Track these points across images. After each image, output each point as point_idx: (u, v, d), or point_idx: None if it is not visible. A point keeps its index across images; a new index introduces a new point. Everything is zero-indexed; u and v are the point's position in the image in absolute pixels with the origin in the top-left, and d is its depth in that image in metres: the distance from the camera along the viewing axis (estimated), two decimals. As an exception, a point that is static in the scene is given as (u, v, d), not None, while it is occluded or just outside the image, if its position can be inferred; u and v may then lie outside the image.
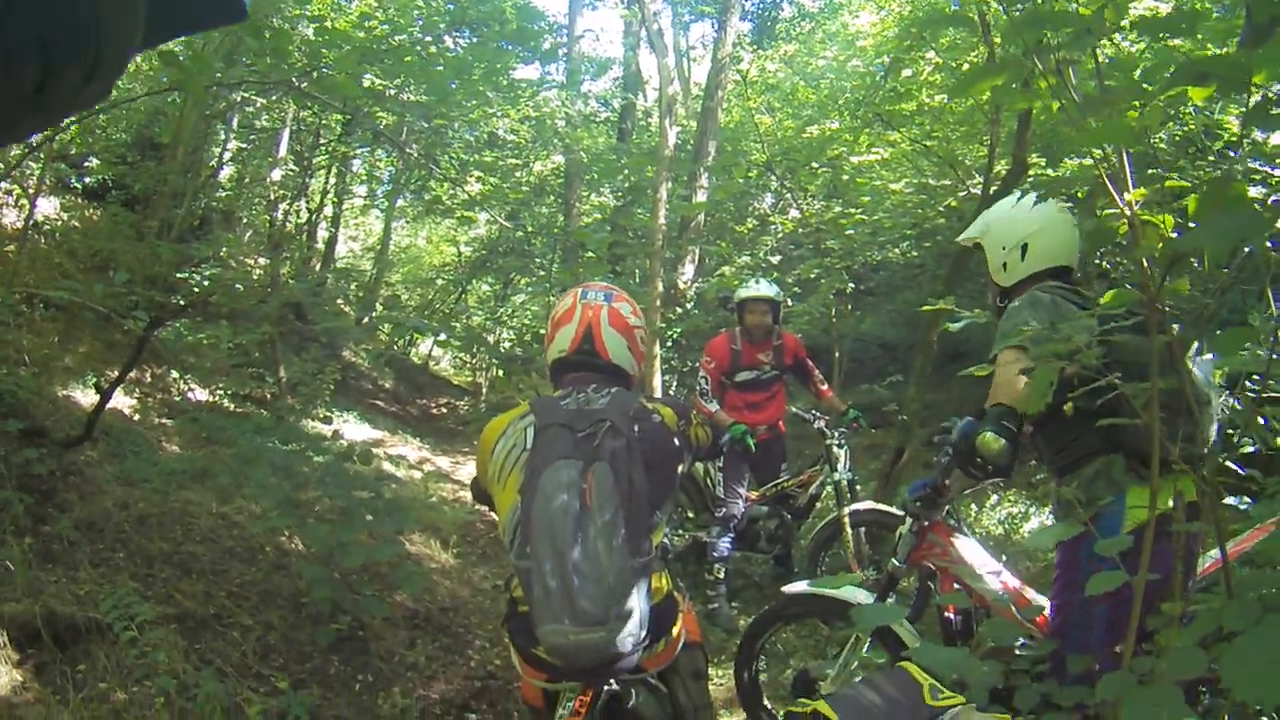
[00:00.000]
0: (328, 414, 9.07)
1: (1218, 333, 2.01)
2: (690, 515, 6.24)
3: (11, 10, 0.48)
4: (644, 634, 2.23)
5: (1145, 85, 1.75)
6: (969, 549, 3.35)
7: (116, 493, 5.17)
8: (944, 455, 3.15)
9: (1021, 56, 1.76)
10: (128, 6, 0.56)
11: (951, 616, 3.35)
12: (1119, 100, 1.65)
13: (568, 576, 2.13)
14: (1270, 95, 1.54)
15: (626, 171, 12.63)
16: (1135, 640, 2.07)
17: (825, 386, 5.96)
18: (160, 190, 9.25)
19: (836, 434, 5.49)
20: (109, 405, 6.94)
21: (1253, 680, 1.26)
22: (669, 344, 9.72)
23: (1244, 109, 1.61)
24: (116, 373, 7.72)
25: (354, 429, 9.78)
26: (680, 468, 2.55)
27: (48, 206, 9.19)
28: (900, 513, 5.03)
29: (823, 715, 1.65)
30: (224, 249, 9.64)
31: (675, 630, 2.52)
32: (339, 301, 14.66)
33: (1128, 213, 1.80)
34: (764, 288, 5.74)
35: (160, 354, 8.10)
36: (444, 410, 14.23)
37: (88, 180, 10.26)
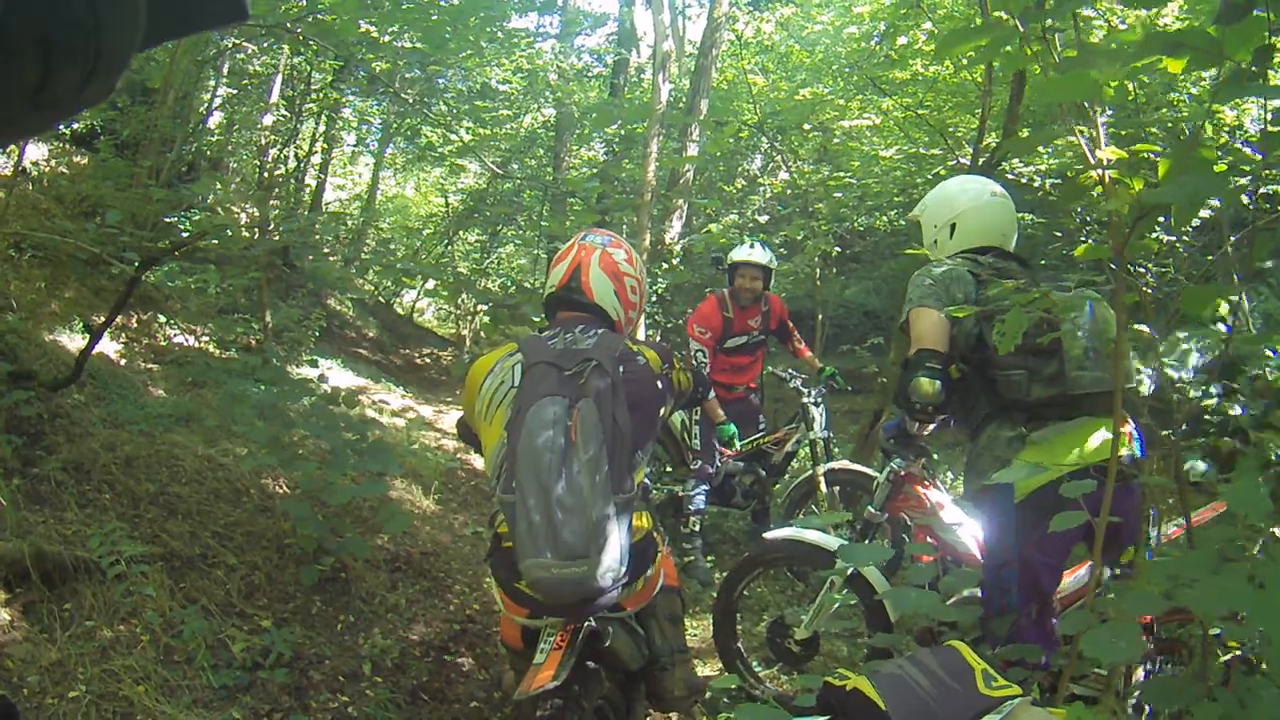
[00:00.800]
0: (313, 359, 9.10)
1: (1188, 287, 2.12)
2: (668, 469, 6.35)
3: (12, 10, 0.47)
4: (624, 570, 2.31)
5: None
6: (942, 502, 3.48)
7: (103, 435, 5.22)
8: None
9: (1010, 22, 1.83)
10: (128, 6, 0.55)
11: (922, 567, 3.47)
12: (1096, 62, 1.73)
13: (551, 511, 2.20)
14: (1243, 67, 1.62)
15: (618, 125, 12.60)
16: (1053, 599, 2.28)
17: (803, 346, 6.04)
18: (150, 136, 9.20)
19: (813, 392, 5.58)
20: (95, 350, 7.01)
21: (1209, 597, 1.37)
22: (653, 298, 9.78)
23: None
24: (104, 317, 7.80)
25: (338, 376, 9.80)
26: (662, 410, 2.63)
27: (36, 153, 9.16)
28: (875, 473, 5.16)
29: (862, 694, 1.54)
30: (210, 195, 9.60)
31: (653, 570, 2.62)
32: (325, 250, 14.62)
33: (1098, 171, 1.90)
34: (759, 253, 5.67)
35: (148, 298, 8.12)
36: (427, 360, 14.26)
37: (76, 126, 10.21)
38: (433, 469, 6.79)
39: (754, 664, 4.17)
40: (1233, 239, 1.94)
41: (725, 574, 4.31)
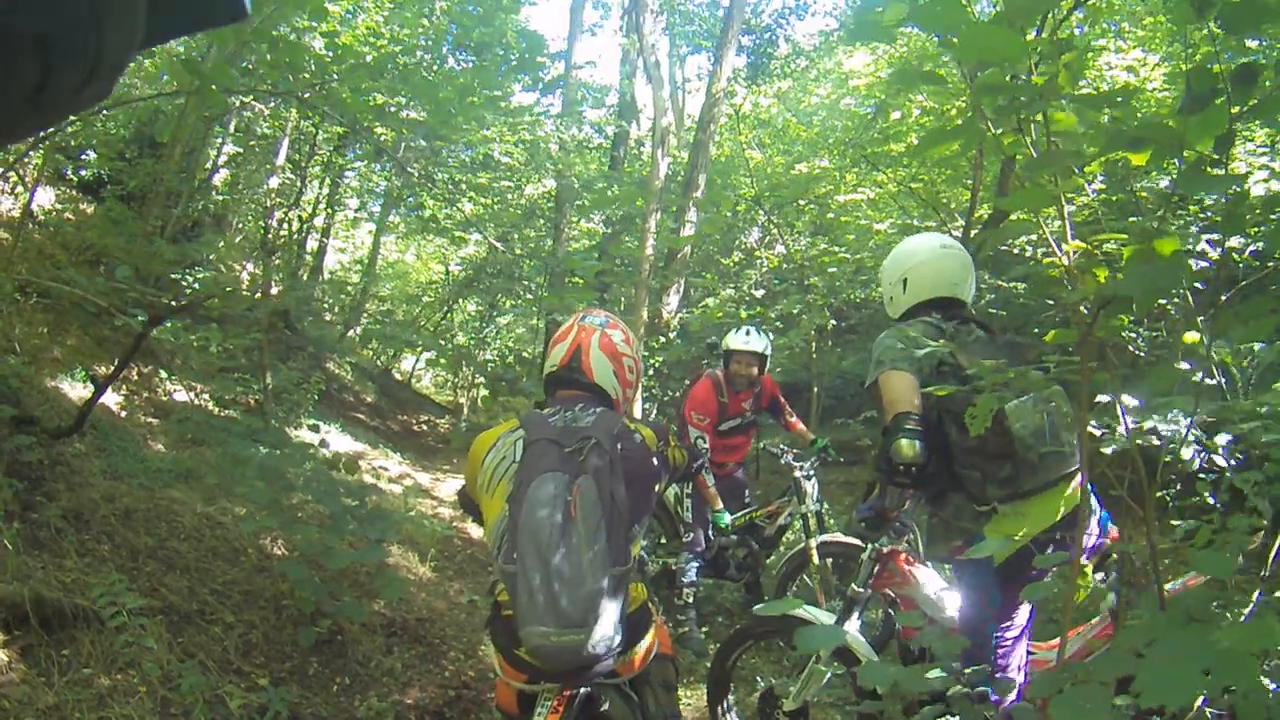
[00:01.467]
0: (314, 423, 9.12)
1: (1151, 367, 2.23)
2: (662, 541, 6.35)
3: (12, 9, 0.48)
4: (618, 639, 2.38)
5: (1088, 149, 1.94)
6: (928, 579, 3.52)
7: (103, 486, 5.23)
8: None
9: (978, 117, 1.94)
10: (128, 6, 0.55)
11: (910, 643, 3.50)
12: (1063, 160, 1.83)
13: (551, 581, 2.28)
14: (1206, 155, 1.71)
15: (617, 203, 12.80)
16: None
17: (795, 420, 6.08)
18: (156, 189, 9.31)
19: (805, 466, 5.60)
20: (99, 401, 7.03)
21: (1161, 682, 1.39)
22: (650, 372, 9.85)
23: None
24: (106, 368, 7.83)
25: (336, 440, 9.83)
26: (658, 486, 2.69)
27: (43, 197, 9.24)
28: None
29: None
30: (213, 254, 9.71)
31: (648, 638, 2.67)
32: (326, 314, 14.73)
33: (1065, 262, 2.00)
34: (754, 340, 5.68)
35: (150, 353, 8.15)
36: (424, 427, 14.31)
37: (84, 173, 10.31)
38: (429, 536, 6.79)
39: None
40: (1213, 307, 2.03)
41: (719, 645, 4.33)
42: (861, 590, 3.57)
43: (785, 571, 5.60)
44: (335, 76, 6.34)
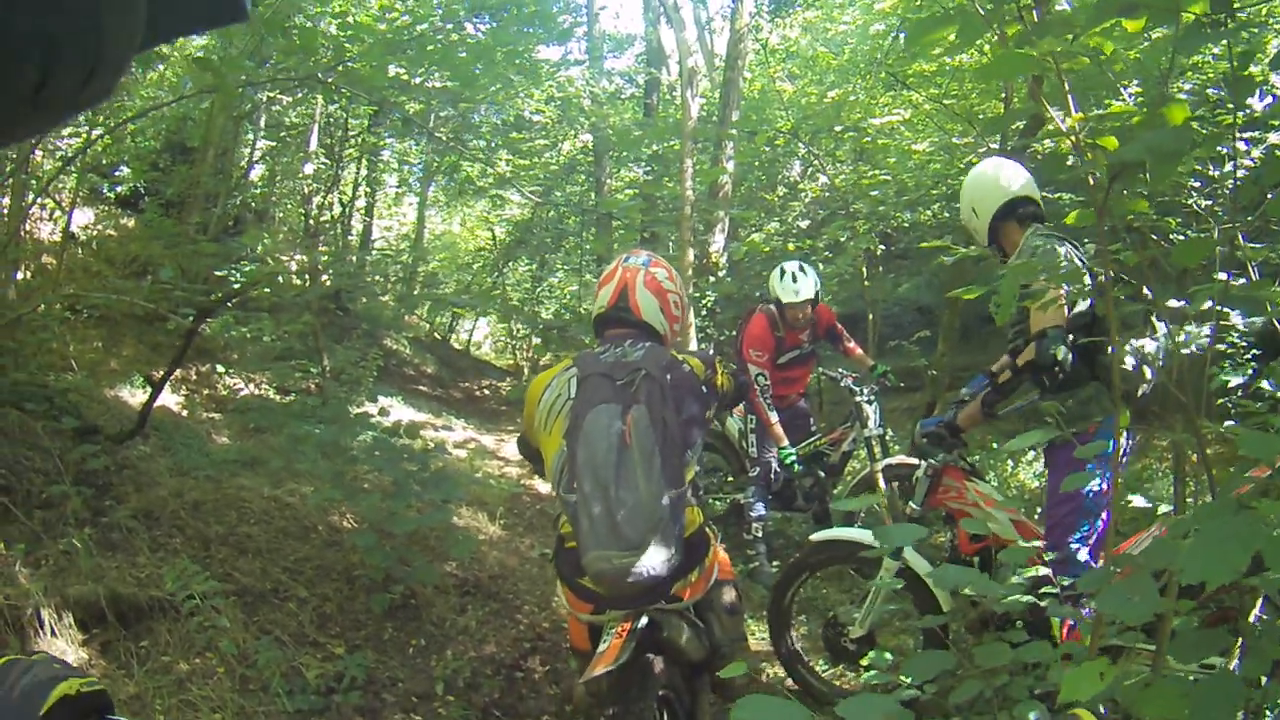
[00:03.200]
0: (372, 398, 9.22)
1: (1178, 241, 2.15)
2: (729, 479, 6.30)
3: (12, 9, 0.47)
4: (678, 558, 2.46)
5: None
6: (984, 492, 3.46)
7: (171, 483, 5.32)
8: (961, 400, 3.44)
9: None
10: (128, 6, 0.55)
11: (970, 558, 3.44)
12: (1053, 29, 1.74)
13: (611, 507, 2.38)
14: (1202, 19, 1.61)
15: (651, 144, 12.63)
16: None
17: (853, 345, 5.97)
18: (193, 193, 9.41)
19: (865, 390, 5.52)
20: (157, 404, 7.15)
21: (1203, 560, 1.31)
22: (703, 312, 9.73)
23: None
24: (163, 372, 7.96)
25: (399, 412, 9.88)
26: (708, 412, 2.77)
27: (82, 218, 9.40)
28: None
29: None
30: (260, 245, 9.78)
31: (708, 561, 2.74)
32: (376, 292, 14.84)
33: (1071, 138, 1.91)
34: (803, 288, 5.51)
35: (205, 351, 8.27)
36: (486, 392, 14.39)
37: (120, 189, 10.47)
38: (497, 495, 6.82)
39: (818, 665, 4.12)
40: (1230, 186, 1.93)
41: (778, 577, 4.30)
42: (917, 507, 3.52)
43: (850, 498, 5.53)
44: (353, 57, 6.29)
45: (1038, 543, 3.03)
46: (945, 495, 3.52)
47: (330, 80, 6.07)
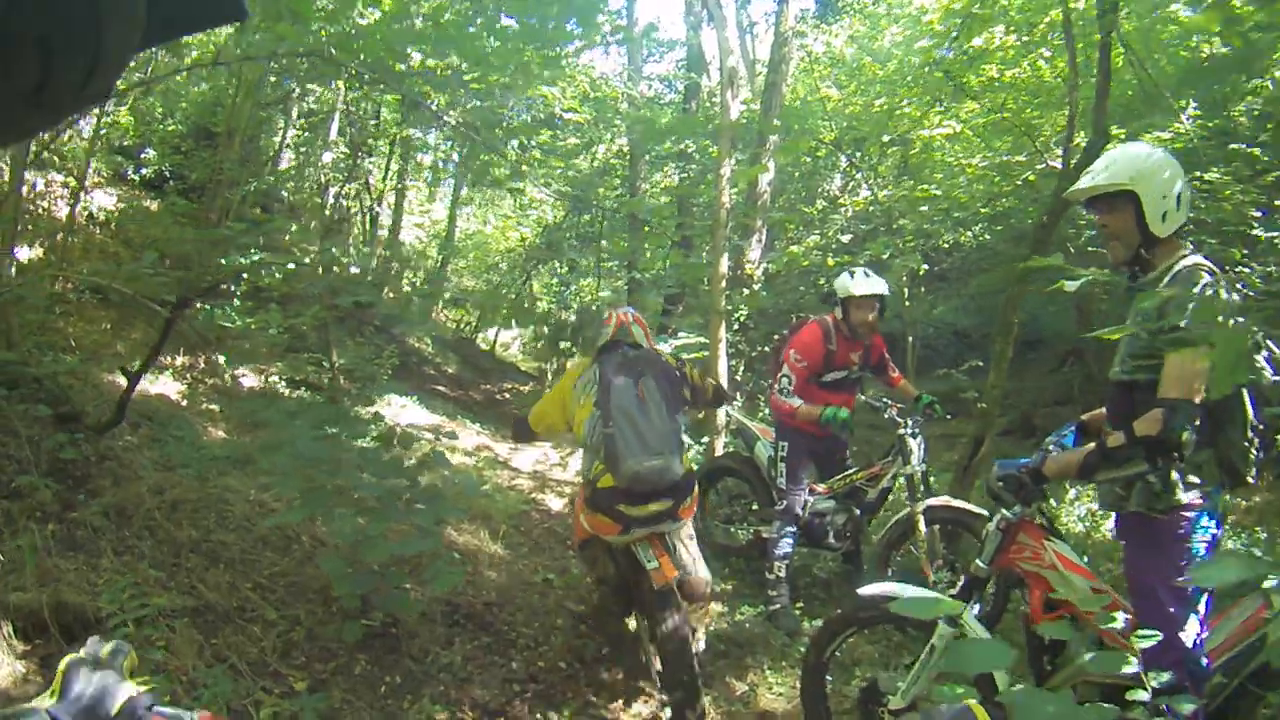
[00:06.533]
0: (372, 398, 8.86)
1: None
2: (754, 508, 5.84)
3: (12, 9, 0.47)
4: (685, 475, 3.88)
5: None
6: (1065, 555, 2.96)
7: (153, 478, 4.95)
8: (1050, 447, 2.92)
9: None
10: (128, 6, 0.54)
11: (1040, 629, 2.92)
12: None
13: (639, 429, 3.69)
14: None
15: (683, 142, 12.21)
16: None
17: (898, 375, 5.54)
18: (217, 179, 9.13)
19: (910, 422, 5.04)
20: (158, 391, 6.81)
21: None
22: (734, 326, 9.25)
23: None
24: (172, 359, 7.63)
25: (412, 413, 9.51)
26: (685, 391, 4.15)
27: (106, 200, 9.14)
28: (981, 511, 4.61)
29: None
30: (287, 235, 9.49)
31: (691, 498, 3.93)
32: (398, 287, 14.56)
33: None
34: (875, 283, 5.10)
35: (215, 339, 7.92)
36: (508, 395, 13.92)
37: (145, 172, 10.26)
38: (502, 511, 6.38)
39: None
40: None
41: (815, 622, 4.00)
42: (985, 567, 3.04)
43: (888, 539, 5.07)
44: (358, 32, 5.87)
45: (1120, 618, 2.65)
46: (1019, 554, 3.01)
47: (328, 55, 5.66)
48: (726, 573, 5.75)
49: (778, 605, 5.10)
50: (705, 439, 7.22)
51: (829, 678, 3.63)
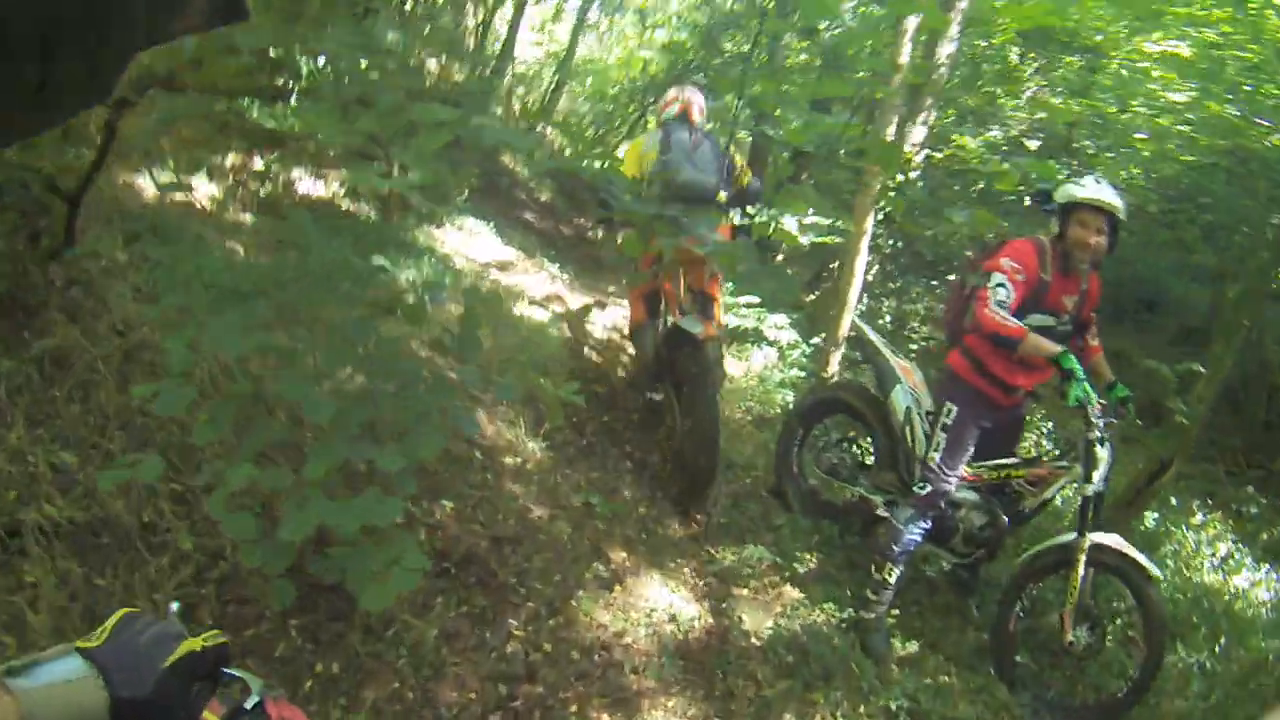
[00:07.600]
0: (441, 218, 7.77)
1: None
2: (866, 464, 4.71)
3: (12, 9, 0.48)
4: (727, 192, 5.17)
5: None
6: None
7: (126, 310, 3.92)
8: None
9: None
10: (128, 6, 0.55)
11: None
12: None
13: (691, 159, 5.00)
14: None
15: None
16: None
17: (1097, 342, 4.07)
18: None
19: (1102, 423, 3.65)
20: (187, 198, 5.74)
21: None
22: (879, 216, 7.43)
23: None
24: (221, 159, 6.60)
25: (484, 243, 8.33)
26: (724, 166, 5.15)
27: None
28: (1155, 571, 3.55)
29: None
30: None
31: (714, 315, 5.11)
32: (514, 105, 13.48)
33: None
34: (1108, 192, 3.63)
35: (279, 139, 6.83)
36: (599, 234, 12.50)
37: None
38: (553, 397, 5.18)
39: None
40: None
41: (910, 647, 3.57)
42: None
43: (1031, 567, 3.87)
44: None
45: None
46: None
47: None
48: (816, 541, 4.60)
49: (873, 614, 3.95)
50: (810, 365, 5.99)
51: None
